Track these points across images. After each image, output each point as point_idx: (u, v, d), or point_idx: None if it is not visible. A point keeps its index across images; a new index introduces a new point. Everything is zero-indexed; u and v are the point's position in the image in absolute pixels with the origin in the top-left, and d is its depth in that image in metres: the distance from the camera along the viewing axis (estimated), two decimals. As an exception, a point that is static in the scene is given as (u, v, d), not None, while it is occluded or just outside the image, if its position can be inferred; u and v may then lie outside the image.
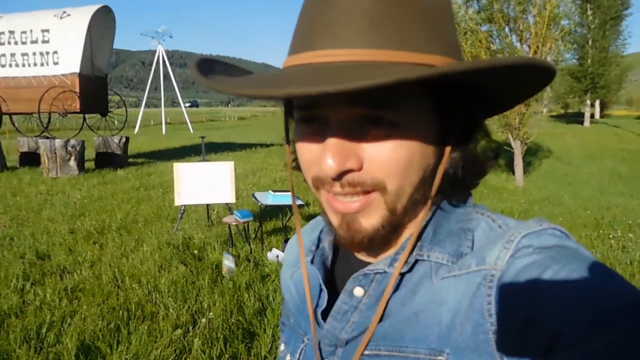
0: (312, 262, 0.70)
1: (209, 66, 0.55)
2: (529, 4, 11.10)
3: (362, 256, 0.64)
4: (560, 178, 11.37)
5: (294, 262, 0.78)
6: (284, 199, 5.65)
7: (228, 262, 4.85)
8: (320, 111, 0.53)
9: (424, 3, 0.51)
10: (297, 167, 0.67)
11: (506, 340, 0.47)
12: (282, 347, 0.77)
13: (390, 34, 0.48)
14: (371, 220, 0.55)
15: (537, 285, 0.46)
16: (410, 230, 0.60)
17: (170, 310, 3.99)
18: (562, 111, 65.58)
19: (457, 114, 0.55)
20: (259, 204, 5.75)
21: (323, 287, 0.65)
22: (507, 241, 0.53)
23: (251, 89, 0.48)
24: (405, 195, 0.55)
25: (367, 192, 0.53)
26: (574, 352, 0.41)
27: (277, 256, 5.18)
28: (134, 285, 4.49)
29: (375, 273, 0.60)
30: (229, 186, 5.96)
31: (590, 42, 36.64)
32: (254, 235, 6.06)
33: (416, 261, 0.58)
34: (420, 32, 0.50)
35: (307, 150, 0.56)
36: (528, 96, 0.56)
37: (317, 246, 0.72)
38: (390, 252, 0.60)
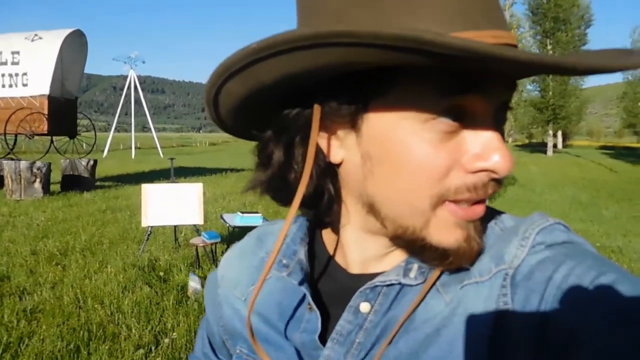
0: (285, 276, 0.59)
1: None
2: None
3: (354, 270, 0.57)
4: (524, 205, 11.68)
5: (248, 280, 0.65)
6: (252, 220, 5.69)
7: (194, 284, 4.83)
8: (472, 101, 0.45)
9: None
10: (314, 202, 0.55)
11: (528, 340, 0.44)
12: None
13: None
14: (477, 223, 0.50)
15: (553, 281, 0.45)
16: None
17: (133, 330, 3.94)
18: (527, 141, 67.63)
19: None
20: (227, 225, 5.77)
21: (314, 306, 0.56)
22: (522, 238, 0.49)
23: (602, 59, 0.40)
24: None
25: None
26: (593, 347, 0.40)
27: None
28: (96, 306, 4.43)
29: (385, 285, 0.53)
30: (197, 208, 5.97)
31: (551, 75, 38.09)
32: (221, 256, 6.03)
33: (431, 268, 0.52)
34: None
35: (444, 156, 0.46)
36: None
37: (281, 262, 0.61)
38: (396, 261, 0.54)
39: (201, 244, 5.53)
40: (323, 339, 0.55)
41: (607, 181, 17.11)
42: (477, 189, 0.46)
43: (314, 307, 0.55)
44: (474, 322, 0.48)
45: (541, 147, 46.23)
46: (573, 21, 38.41)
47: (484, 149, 0.45)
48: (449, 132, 0.45)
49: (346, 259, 0.58)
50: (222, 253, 6.02)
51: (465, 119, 0.46)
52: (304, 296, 0.57)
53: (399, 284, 0.52)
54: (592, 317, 0.41)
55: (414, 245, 0.50)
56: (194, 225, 6.15)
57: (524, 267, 0.47)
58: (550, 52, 37.77)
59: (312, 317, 0.56)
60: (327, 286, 0.59)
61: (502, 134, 0.48)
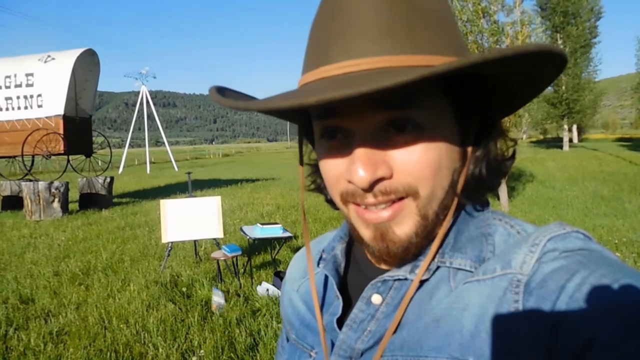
0: (323, 268, 0.68)
1: (225, 91, 0.56)
2: (501, 34, 11.46)
3: (379, 264, 0.63)
4: (544, 202, 11.48)
5: (300, 274, 0.76)
6: (272, 231, 5.64)
7: (217, 298, 4.79)
8: (344, 122, 0.53)
9: (432, 6, 0.52)
10: (317, 189, 0.69)
11: (536, 346, 0.45)
12: None
13: (404, 40, 0.49)
14: (404, 228, 0.54)
15: (566, 290, 0.45)
16: (434, 236, 0.58)
17: (160, 349, 3.90)
18: (541, 137, 66.90)
19: (475, 113, 0.56)
20: (247, 237, 5.72)
21: (338, 294, 0.63)
22: (532, 245, 0.51)
23: (281, 101, 0.47)
24: (437, 200, 0.54)
25: (399, 199, 0.52)
26: (607, 355, 0.40)
27: (267, 290, 5.13)
28: (121, 326, 4.40)
29: (395, 280, 0.58)
30: (217, 221, 5.94)
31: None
32: (242, 269, 6.00)
33: (437, 268, 0.57)
34: (432, 35, 0.51)
35: (332, 166, 0.55)
36: (541, 89, 0.56)
37: (321, 257, 0.71)
38: (411, 259, 0.59)
39: (222, 258, 5.49)
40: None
41: (628, 174, 16.75)
42: (355, 196, 0.53)
43: (338, 294, 0.63)
44: (472, 318, 0.51)
45: (556, 142, 45.67)
46: (583, 14, 37.92)
47: (349, 162, 0.52)
48: (333, 146, 0.54)
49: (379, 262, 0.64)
50: (244, 266, 6.00)
51: (346, 137, 0.53)
52: (334, 285, 0.65)
53: (405, 279, 0.57)
54: (605, 325, 0.41)
55: (357, 237, 0.58)
56: (214, 238, 6.12)
57: (538, 275, 0.48)
58: (561, 46, 37.42)
59: (337, 304, 0.63)
60: (356, 277, 0.66)
61: (405, 144, 0.52)
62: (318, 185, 0.68)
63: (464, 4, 10.56)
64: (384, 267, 0.62)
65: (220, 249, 5.77)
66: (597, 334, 0.41)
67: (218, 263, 5.69)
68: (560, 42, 37.51)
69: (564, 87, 37.79)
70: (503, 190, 10.90)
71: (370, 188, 0.51)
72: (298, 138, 0.67)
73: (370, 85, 0.41)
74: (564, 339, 0.43)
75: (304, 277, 0.75)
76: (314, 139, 0.60)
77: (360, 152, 0.51)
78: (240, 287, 5.37)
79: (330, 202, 0.66)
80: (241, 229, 6.04)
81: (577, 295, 0.44)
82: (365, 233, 0.55)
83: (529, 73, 0.50)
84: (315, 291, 0.65)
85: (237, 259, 5.72)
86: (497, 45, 11.32)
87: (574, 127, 47.16)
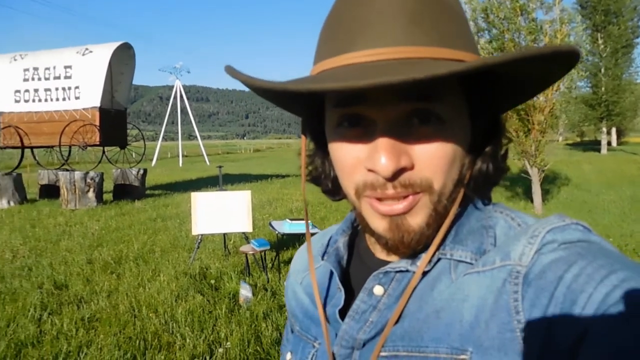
0: (326, 261, 0.69)
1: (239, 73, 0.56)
2: (539, 33, 11.16)
3: (381, 255, 0.64)
4: (579, 205, 11.18)
5: (304, 267, 0.77)
6: (300, 227, 5.64)
7: (245, 292, 4.82)
8: (367, 111, 0.52)
9: (452, 3, 0.53)
10: (313, 180, 0.69)
11: (534, 337, 0.46)
12: (288, 356, 0.73)
13: (430, 32, 0.49)
14: (418, 220, 0.54)
15: (564, 281, 0.46)
16: (437, 228, 0.58)
17: (187, 340, 3.95)
18: (578, 139, 65.13)
19: (487, 109, 0.57)
20: (276, 232, 5.74)
21: (340, 286, 0.63)
22: (531, 236, 0.52)
23: (313, 84, 0.47)
24: (447, 193, 0.55)
25: (415, 193, 0.53)
26: (603, 346, 0.40)
27: (294, 285, 5.13)
28: (150, 315, 4.47)
29: (397, 271, 0.59)
30: (246, 215, 5.97)
31: (602, 70, 36.57)
32: (270, 264, 6.03)
33: (438, 259, 0.57)
34: (453, 30, 0.52)
35: (350, 154, 0.54)
36: (548, 86, 0.56)
37: (326, 250, 0.72)
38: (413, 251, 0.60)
39: (251, 252, 5.52)
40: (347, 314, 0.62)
41: (669, 179, 16.15)
42: (374, 187, 0.53)
43: (340, 286, 0.63)
44: (472, 309, 0.51)
45: (594, 145, 44.33)
46: (625, 13, 36.63)
47: (372, 151, 0.51)
48: (353, 135, 0.53)
49: (375, 245, 0.64)
50: (272, 260, 6.02)
51: (368, 126, 0.52)
52: (336, 277, 0.65)
53: (407, 270, 0.58)
54: (602, 316, 0.42)
55: (367, 228, 0.58)
56: (243, 232, 6.16)
57: (537, 267, 0.49)
58: (602, 46, 36.30)
59: (340, 295, 0.63)
60: (358, 269, 0.66)
61: (427, 137, 0.52)
62: (314, 176, 0.68)
63: (501, 0, 10.29)
64: (383, 257, 0.63)
65: (249, 243, 5.81)
66: (593, 324, 0.42)
67: (246, 257, 5.72)
68: (600, 41, 36.39)
69: (603, 89, 36.65)
70: (537, 193, 10.64)
71: (392, 178, 0.51)
72: (301, 128, 0.67)
73: (405, 75, 0.41)
74: (561, 329, 0.44)
75: (307, 270, 0.75)
76: (317, 129, 0.62)
77: (384, 141, 0.51)
78: (268, 282, 5.39)
79: (328, 192, 0.67)
80: (270, 224, 6.06)
81: (574, 286, 0.45)
82: (380, 225, 0.55)
83: (544, 70, 0.50)
84: (315, 283, 0.67)
85: (265, 254, 5.74)
86: (535, 44, 11.03)
87: (613, 130, 45.65)
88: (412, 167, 0.52)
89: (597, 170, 20.32)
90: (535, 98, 10.10)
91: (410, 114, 0.52)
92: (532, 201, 10.39)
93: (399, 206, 0.53)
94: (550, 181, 15.16)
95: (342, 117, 0.54)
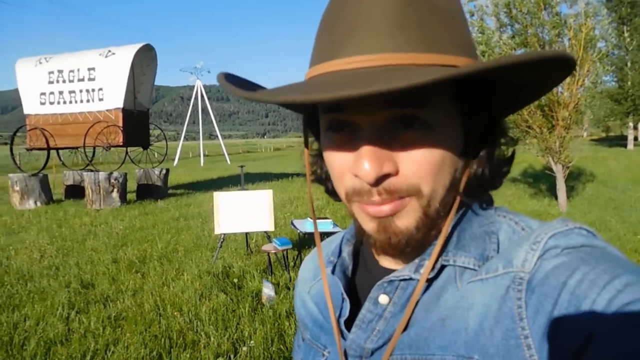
0: (332, 272, 0.68)
1: (236, 80, 0.56)
2: (563, 27, 10.94)
3: (386, 263, 0.64)
4: (605, 202, 10.93)
5: (312, 276, 0.77)
6: (322, 226, 5.64)
7: (268, 290, 4.84)
8: (351, 116, 0.52)
9: (444, 6, 0.52)
10: (317, 180, 0.69)
11: (538, 343, 0.46)
12: None
13: (418, 37, 0.49)
14: (405, 222, 0.54)
15: (568, 287, 0.46)
16: (437, 235, 0.58)
17: (212, 338, 3.99)
18: (604, 135, 63.71)
19: (481, 113, 0.56)
20: (298, 231, 5.75)
21: (345, 296, 0.64)
22: (533, 242, 0.52)
23: (291, 95, 0.47)
24: (438, 198, 0.55)
25: (401, 198, 0.53)
26: (607, 351, 0.40)
27: (317, 284, 5.14)
28: (175, 314, 4.52)
29: (401, 280, 0.59)
30: (268, 214, 6.00)
31: (629, 64, 35.71)
32: (293, 263, 6.04)
33: (442, 267, 0.57)
34: (443, 34, 0.50)
35: (338, 159, 0.55)
36: (546, 92, 0.56)
37: (337, 257, 0.71)
38: (416, 258, 0.59)
39: (273, 251, 5.54)
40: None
41: (700, 175, 15.70)
42: (361, 194, 0.53)
43: (345, 296, 0.63)
44: (477, 317, 0.51)
45: (620, 141, 43.30)
46: (652, 5, 35.78)
47: (357, 157, 0.52)
48: (341, 140, 0.54)
49: (380, 254, 0.64)
50: (294, 259, 6.04)
51: (354, 131, 0.53)
52: (341, 287, 0.65)
53: (410, 278, 0.58)
54: (606, 321, 0.41)
55: (362, 230, 0.58)
56: (265, 231, 6.19)
57: (539, 273, 0.49)
58: (628, 39, 35.43)
59: (345, 305, 0.63)
60: (364, 278, 0.66)
61: (412, 142, 0.51)
62: (318, 176, 0.69)
63: (524, -5, 10.11)
64: (387, 266, 0.63)
65: (271, 242, 5.83)
66: (597, 329, 0.42)
67: (269, 256, 5.75)
68: (626, 34, 35.52)
69: (629, 83, 35.73)
70: (561, 189, 10.45)
71: (376, 183, 0.51)
72: (303, 129, 0.67)
73: (384, 85, 0.41)
74: (566, 335, 0.44)
75: (314, 279, 0.76)
76: (318, 130, 0.61)
77: (367, 148, 0.51)
78: (290, 280, 5.41)
79: (331, 193, 0.67)
80: (292, 223, 6.08)
81: (578, 292, 0.45)
82: (369, 225, 0.56)
83: (539, 76, 0.50)
84: (328, 292, 0.66)
85: (287, 253, 5.76)
86: (559, 39, 10.83)
87: (640, 125, 44.58)
88: (396, 173, 0.51)
89: (623, 167, 19.85)
90: (559, 93, 9.91)
91: (395, 120, 0.51)
92: (556, 198, 10.20)
93: (386, 208, 0.53)
94: (575, 178, 14.86)
95: (331, 123, 0.55)
